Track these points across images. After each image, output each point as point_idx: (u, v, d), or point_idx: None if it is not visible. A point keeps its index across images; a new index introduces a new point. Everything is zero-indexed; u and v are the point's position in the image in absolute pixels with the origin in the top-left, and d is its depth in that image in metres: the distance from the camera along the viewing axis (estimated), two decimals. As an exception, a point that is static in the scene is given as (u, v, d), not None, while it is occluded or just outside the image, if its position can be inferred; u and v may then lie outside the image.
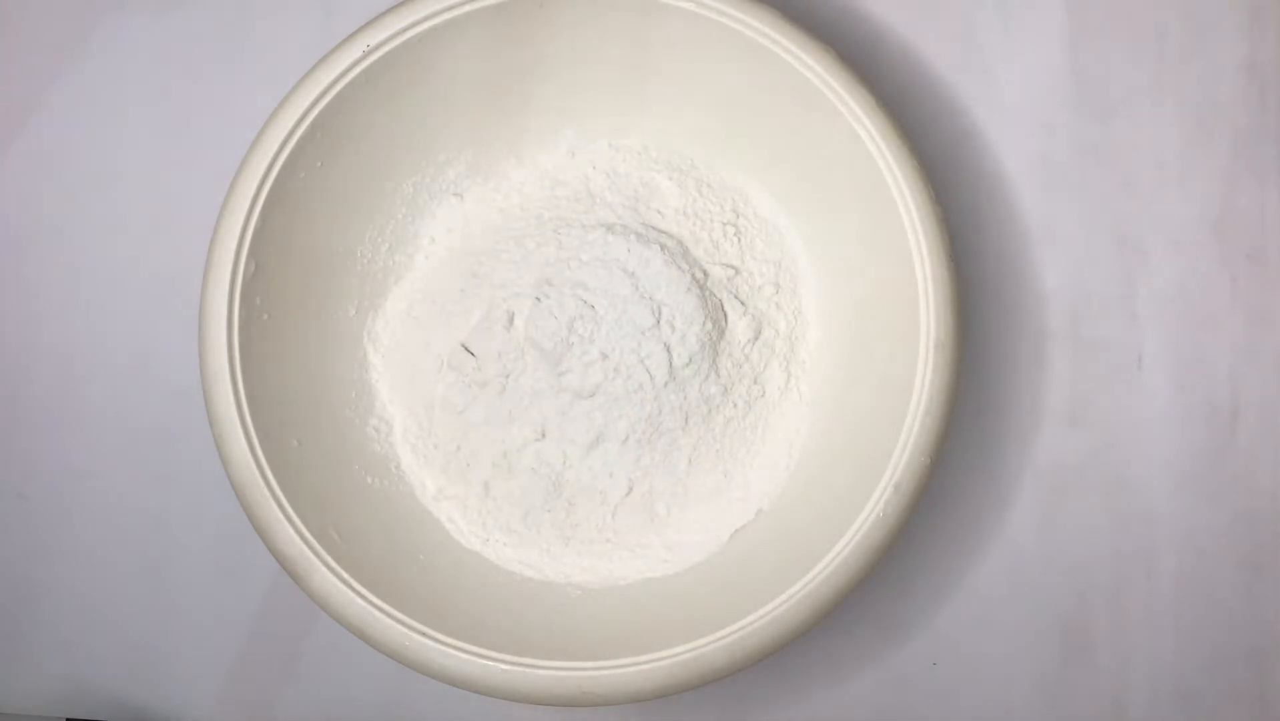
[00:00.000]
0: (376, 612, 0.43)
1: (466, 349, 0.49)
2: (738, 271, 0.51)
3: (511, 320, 0.49)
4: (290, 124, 0.45)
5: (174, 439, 0.53)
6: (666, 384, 0.48)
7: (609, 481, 0.49)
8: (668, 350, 0.48)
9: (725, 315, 0.50)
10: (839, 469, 0.47)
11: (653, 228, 0.51)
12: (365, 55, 0.46)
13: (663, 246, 0.50)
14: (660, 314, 0.49)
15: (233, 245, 0.45)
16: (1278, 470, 0.53)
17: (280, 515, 0.44)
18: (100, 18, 0.56)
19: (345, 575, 0.44)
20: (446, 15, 0.46)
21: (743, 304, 0.50)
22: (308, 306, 0.49)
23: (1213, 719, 0.52)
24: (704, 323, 0.49)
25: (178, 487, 0.53)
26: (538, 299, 0.49)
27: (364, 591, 0.44)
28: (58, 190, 0.55)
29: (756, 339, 0.50)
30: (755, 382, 0.50)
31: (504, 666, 0.43)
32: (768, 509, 0.48)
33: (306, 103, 0.46)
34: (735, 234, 0.51)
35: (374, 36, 0.46)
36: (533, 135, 0.51)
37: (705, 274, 0.50)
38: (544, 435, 0.49)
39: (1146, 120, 0.55)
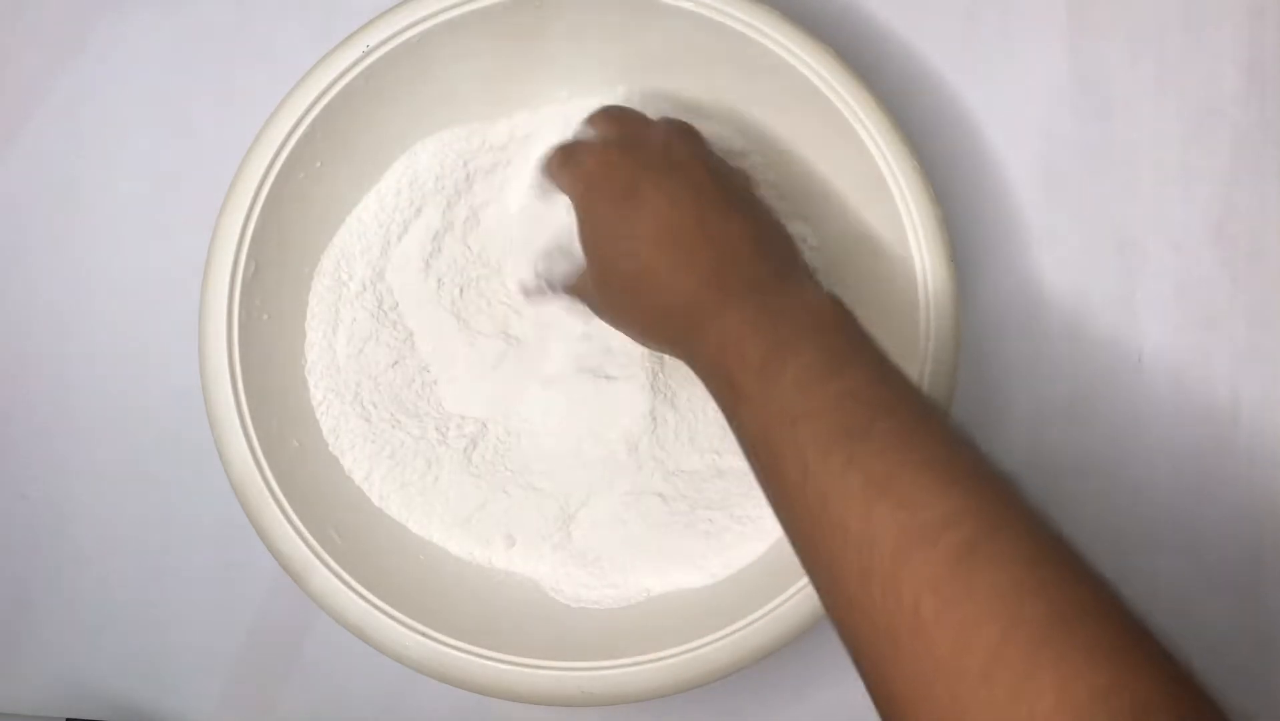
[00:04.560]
0: (376, 613, 0.43)
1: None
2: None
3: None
4: (290, 124, 0.45)
5: (174, 439, 0.53)
6: (659, 387, 0.48)
7: (613, 499, 0.49)
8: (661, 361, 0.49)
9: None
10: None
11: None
12: (365, 55, 0.46)
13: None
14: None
15: (233, 245, 0.45)
16: (1278, 470, 0.53)
17: (280, 515, 0.44)
18: (100, 17, 0.56)
19: (345, 575, 0.44)
20: (446, 15, 0.46)
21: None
22: (308, 306, 0.49)
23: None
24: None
25: (178, 488, 0.53)
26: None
27: (364, 591, 0.44)
28: (58, 190, 0.55)
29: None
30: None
31: (504, 666, 0.43)
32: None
33: (306, 102, 0.46)
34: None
35: (374, 36, 0.46)
36: (532, 134, 0.51)
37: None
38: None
39: (1146, 120, 0.55)
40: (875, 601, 0.30)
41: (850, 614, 0.31)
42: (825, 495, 0.32)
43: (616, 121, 0.44)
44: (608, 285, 0.42)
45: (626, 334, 0.43)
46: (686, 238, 0.39)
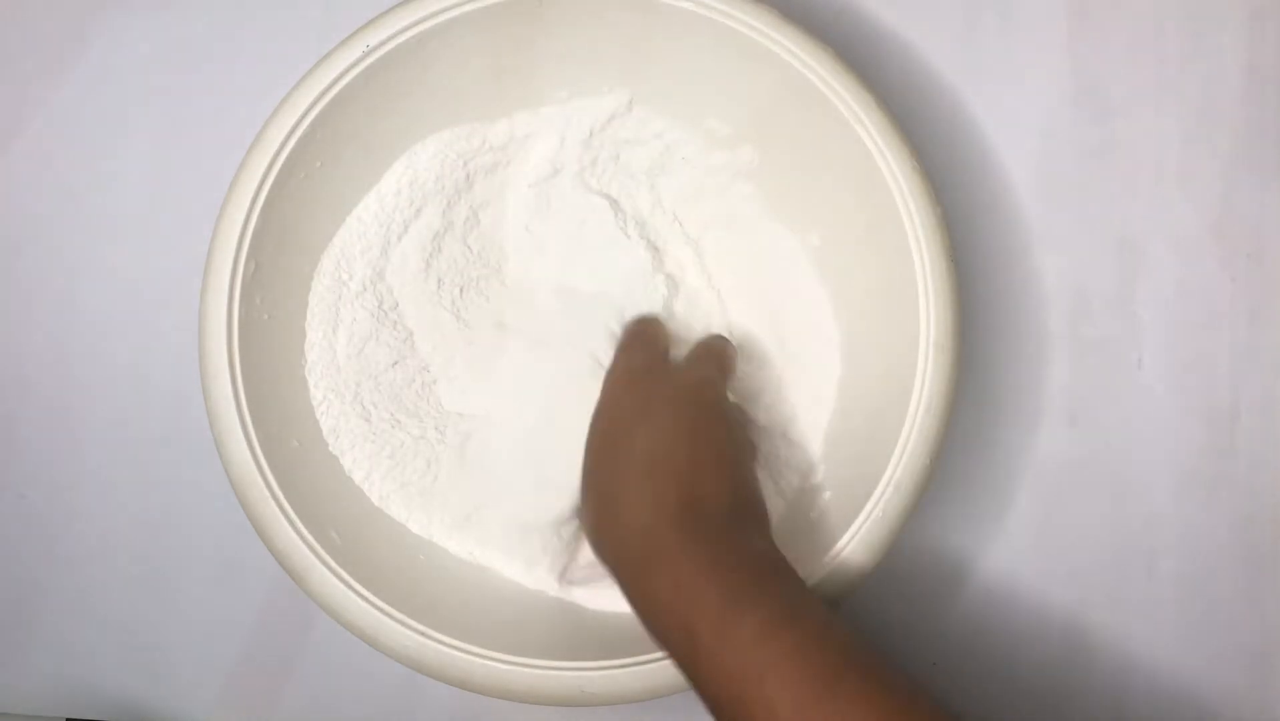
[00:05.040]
0: (376, 612, 0.43)
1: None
2: (737, 273, 0.51)
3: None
4: (290, 124, 0.45)
5: (174, 439, 0.53)
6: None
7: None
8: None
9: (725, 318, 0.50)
10: (840, 469, 0.47)
11: (640, 223, 0.51)
12: (365, 55, 0.46)
13: (649, 243, 0.51)
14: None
15: (233, 245, 0.45)
16: (1278, 470, 0.53)
17: (280, 515, 0.44)
18: (100, 18, 0.56)
19: (345, 575, 0.44)
20: (446, 15, 0.46)
21: (741, 305, 0.50)
22: (308, 306, 0.49)
23: (1213, 719, 0.52)
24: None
25: (178, 488, 0.53)
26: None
27: (363, 591, 0.44)
28: (58, 190, 0.55)
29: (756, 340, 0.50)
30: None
31: (504, 666, 0.43)
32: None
33: (306, 102, 0.46)
34: (733, 235, 0.51)
35: (374, 36, 0.46)
36: (532, 134, 0.51)
37: (713, 282, 0.50)
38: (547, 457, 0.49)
39: (1146, 120, 0.55)
40: None
41: None
42: None
43: (653, 343, 0.47)
44: (589, 489, 0.42)
45: (594, 549, 0.42)
46: (667, 468, 0.40)
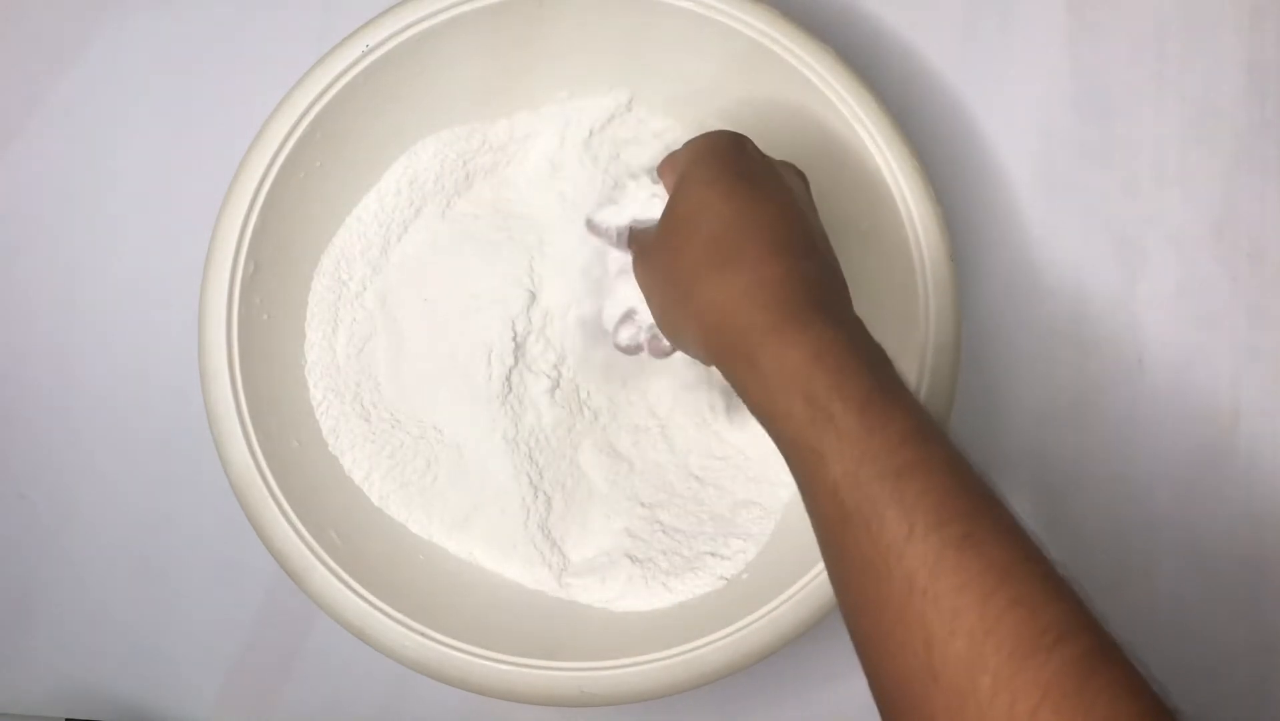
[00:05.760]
0: (376, 613, 0.43)
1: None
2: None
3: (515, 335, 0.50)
4: (290, 124, 0.45)
5: (174, 439, 0.53)
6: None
7: (611, 499, 0.49)
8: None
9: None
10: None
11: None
12: (365, 55, 0.46)
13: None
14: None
15: (233, 245, 0.45)
16: (1278, 470, 0.53)
17: (280, 515, 0.44)
18: (100, 18, 0.56)
19: (345, 575, 0.44)
20: (446, 15, 0.46)
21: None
22: (307, 306, 0.49)
23: (1213, 718, 0.52)
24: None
25: (177, 488, 0.53)
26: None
27: (363, 591, 0.44)
28: (58, 190, 0.55)
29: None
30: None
31: (504, 666, 0.43)
32: (769, 510, 0.48)
33: (306, 102, 0.46)
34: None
35: (374, 36, 0.46)
36: (532, 134, 0.51)
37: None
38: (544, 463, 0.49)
39: (1146, 120, 0.55)
40: (983, 696, 0.28)
41: (931, 688, 0.29)
42: (933, 567, 0.29)
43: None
44: (683, 250, 0.37)
45: (680, 309, 0.37)
46: (797, 225, 0.36)
